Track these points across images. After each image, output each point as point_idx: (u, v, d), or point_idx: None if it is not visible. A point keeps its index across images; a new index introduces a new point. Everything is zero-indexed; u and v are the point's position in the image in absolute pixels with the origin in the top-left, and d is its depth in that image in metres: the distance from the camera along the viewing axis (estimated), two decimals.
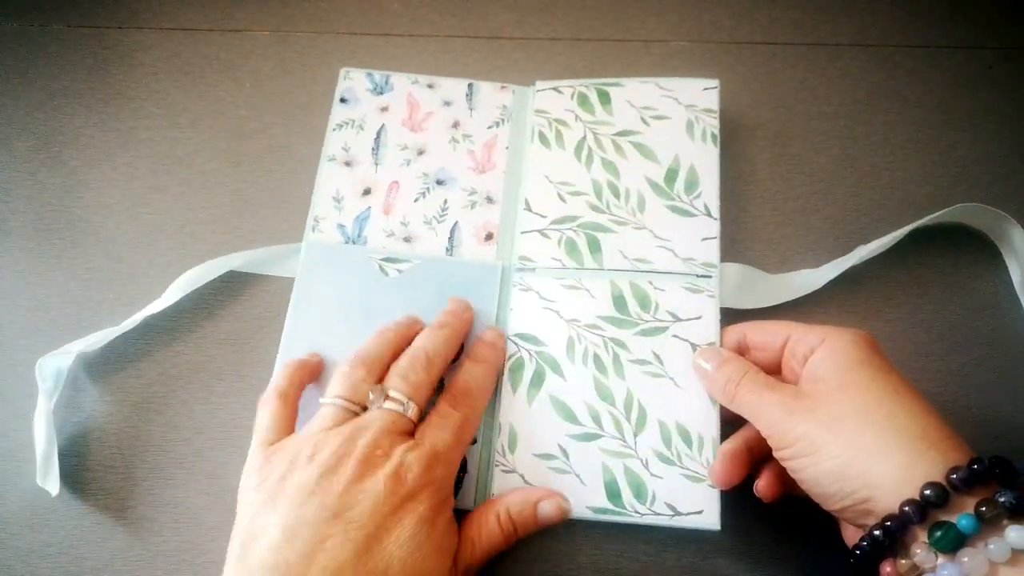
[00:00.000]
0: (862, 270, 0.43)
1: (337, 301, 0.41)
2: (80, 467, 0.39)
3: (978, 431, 0.39)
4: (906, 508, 0.28)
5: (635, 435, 0.38)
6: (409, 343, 0.38)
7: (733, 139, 0.47)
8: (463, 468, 0.38)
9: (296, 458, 0.33)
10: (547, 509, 0.36)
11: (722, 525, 0.36)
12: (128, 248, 0.44)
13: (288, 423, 0.36)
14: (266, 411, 0.36)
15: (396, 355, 0.37)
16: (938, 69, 0.50)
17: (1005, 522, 0.28)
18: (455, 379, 0.38)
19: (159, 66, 0.50)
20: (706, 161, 0.44)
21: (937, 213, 0.43)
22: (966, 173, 0.46)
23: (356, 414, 0.35)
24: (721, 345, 0.39)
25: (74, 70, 0.49)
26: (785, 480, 0.34)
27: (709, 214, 0.43)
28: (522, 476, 0.37)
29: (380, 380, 0.36)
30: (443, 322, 0.39)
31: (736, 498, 0.36)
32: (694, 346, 0.39)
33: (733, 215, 0.45)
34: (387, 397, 0.35)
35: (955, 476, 0.28)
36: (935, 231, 0.44)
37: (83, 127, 0.48)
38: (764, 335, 0.37)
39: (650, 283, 0.41)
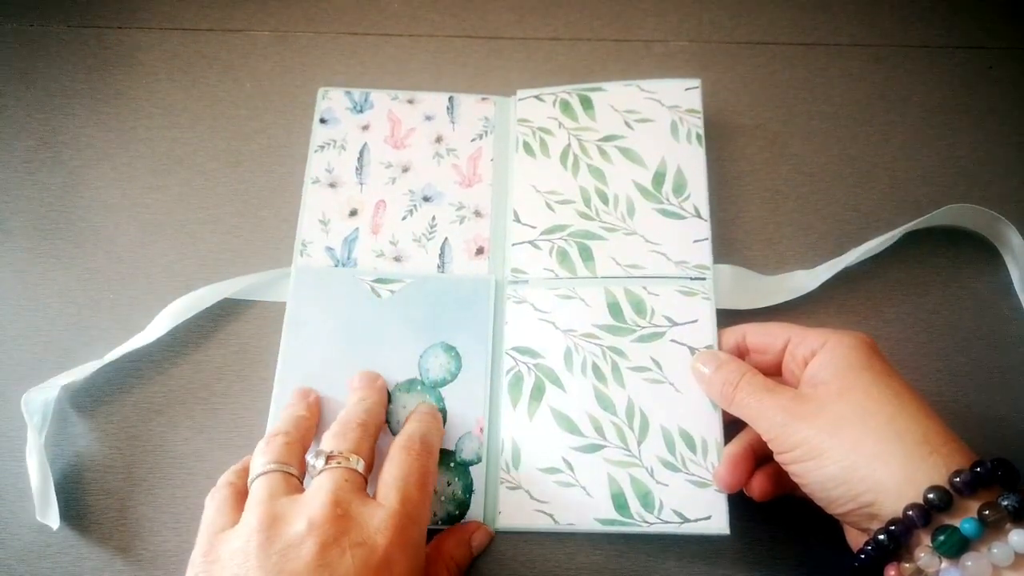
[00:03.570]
0: (861, 271, 0.43)
1: (331, 326, 0.41)
2: (79, 469, 0.39)
3: (978, 432, 0.39)
4: (910, 512, 0.28)
5: (639, 443, 0.38)
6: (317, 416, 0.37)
7: (732, 139, 0.47)
8: (469, 488, 0.38)
9: (249, 536, 0.29)
10: (480, 539, 0.37)
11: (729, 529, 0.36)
12: (128, 248, 0.44)
13: (237, 509, 0.32)
14: (212, 501, 0.33)
15: (312, 426, 0.36)
16: (938, 69, 0.50)
17: (1008, 525, 0.28)
18: (405, 429, 0.35)
19: (159, 66, 0.50)
20: (693, 162, 0.44)
21: (929, 215, 0.43)
22: (966, 173, 0.46)
23: (296, 480, 0.32)
24: (719, 347, 0.39)
25: (74, 70, 0.49)
26: (784, 481, 0.34)
27: (699, 215, 0.42)
28: (528, 492, 0.37)
29: (306, 449, 0.34)
30: (361, 394, 0.37)
31: (741, 501, 0.36)
32: (692, 350, 0.39)
33: (732, 215, 0.45)
34: (329, 457, 0.32)
35: (958, 479, 0.28)
36: (934, 231, 0.44)
37: (83, 127, 0.48)
38: (764, 337, 0.37)
39: (644, 288, 0.41)
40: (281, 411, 0.37)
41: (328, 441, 0.33)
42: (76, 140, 0.47)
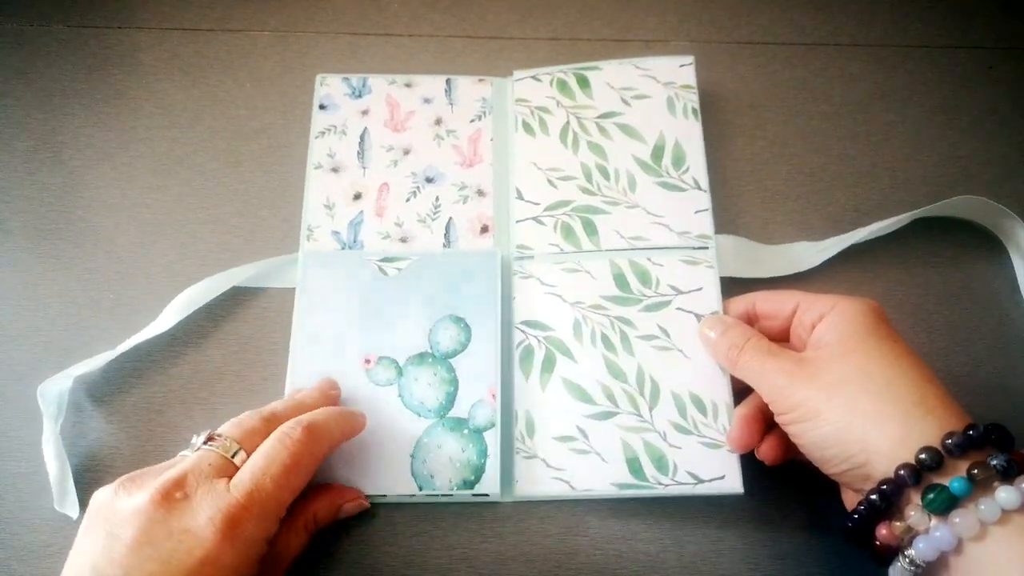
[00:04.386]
0: (862, 269, 0.43)
1: (341, 306, 0.41)
2: (78, 470, 0.39)
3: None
4: (901, 472, 0.29)
5: (650, 409, 0.38)
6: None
7: (732, 140, 0.47)
8: (484, 453, 0.38)
9: (106, 490, 0.30)
10: (350, 509, 0.37)
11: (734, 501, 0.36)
12: (128, 248, 0.44)
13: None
14: None
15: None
16: (938, 69, 0.50)
17: (996, 484, 0.28)
18: (297, 417, 0.34)
19: (159, 66, 0.50)
20: (690, 136, 0.44)
21: (940, 203, 0.43)
22: (966, 173, 0.46)
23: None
24: (727, 313, 0.39)
25: (74, 70, 0.49)
26: (792, 445, 0.35)
27: (699, 187, 0.43)
28: (544, 460, 0.38)
29: None
30: (302, 392, 0.38)
31: (752, 464, 0.37)
32: (698, 317, 0.40)
33: (733, 216, 0.45)
34: (209, 438, 0.32)
35: (950, 441, 0.29)
36: (938, 230, 0.44)
37: (83, 127, 0.48)
38: (773, 304, 0.38)
39: (648, 259, 0.42)
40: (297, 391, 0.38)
41: (225, 425, 0.34)
42: (76, 140, 0.47)
